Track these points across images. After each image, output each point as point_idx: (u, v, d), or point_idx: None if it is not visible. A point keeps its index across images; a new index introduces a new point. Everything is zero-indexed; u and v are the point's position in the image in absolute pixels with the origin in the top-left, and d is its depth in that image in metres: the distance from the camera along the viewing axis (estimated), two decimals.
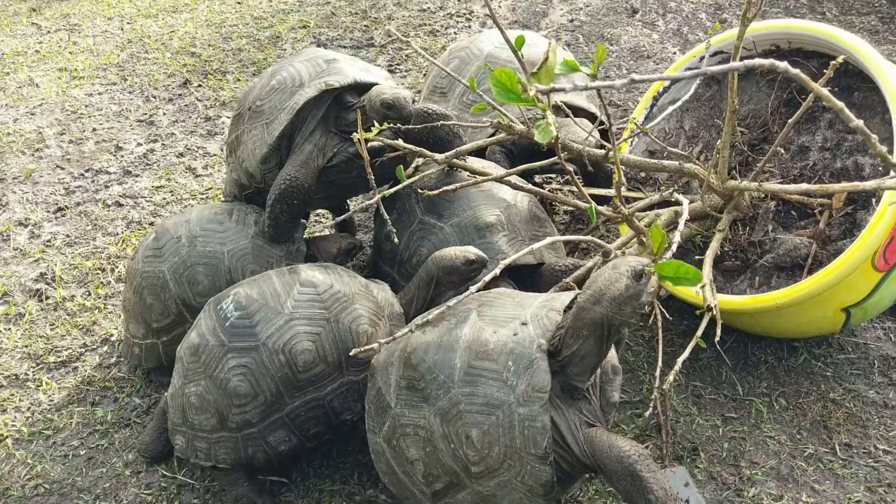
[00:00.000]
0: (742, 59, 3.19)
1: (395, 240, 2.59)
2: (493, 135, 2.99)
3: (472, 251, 2.69)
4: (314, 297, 2.53)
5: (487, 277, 2.23)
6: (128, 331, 3.08)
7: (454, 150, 2.56)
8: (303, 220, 3.06)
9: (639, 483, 1.91)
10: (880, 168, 2.82)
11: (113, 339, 3.31)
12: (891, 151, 2.82)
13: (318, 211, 3.84)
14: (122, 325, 3.15)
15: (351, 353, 2.12)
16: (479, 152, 3.25)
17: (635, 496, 1.93)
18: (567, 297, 2.21)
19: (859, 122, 1.46)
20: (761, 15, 5.49)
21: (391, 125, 2.52)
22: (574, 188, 3.18)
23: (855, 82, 2.94)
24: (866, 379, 3.01)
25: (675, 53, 5.21)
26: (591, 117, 3.49)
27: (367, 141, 2.66)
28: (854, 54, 2.79)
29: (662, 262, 1.92)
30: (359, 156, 2.80)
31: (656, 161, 2.77)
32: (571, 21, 5.67)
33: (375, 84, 2.90)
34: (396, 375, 2.15)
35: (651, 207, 3.17)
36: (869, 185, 2.37)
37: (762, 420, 2.86)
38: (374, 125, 2.45)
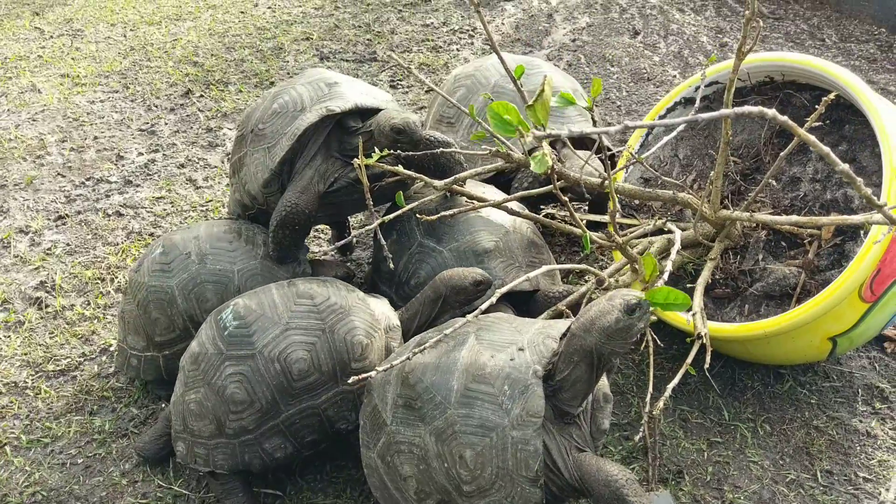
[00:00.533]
0: (737, 89, 3.27)
1: (391, 265, 2.65)
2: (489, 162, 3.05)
3: (479, 272, 2.79)
4: (311, 308, 2.60)
5: (484, 305, 2.29)
6: (125, 342, 3.11)
7: (453, 178, 2.62)
8: (305, 244, 3.11)
9: None
10: None
11: (112, 349, 3.35)
12: (880, 184, 2.89)
13: (318, 227, 3.90)
14: (118, 334, 3.18)
15: (349, 382, 2.18)
16: (492, 180, 3.33)
17: None
18: (563, 324, 2.27)
19: (845, 167, 1.52)
20: (762, 40, 5.57)
21: (392, 151, 2.58)
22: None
23: (846, 115, 3.02)
24: (850, 407, 3.07)
25: (675, 76, 5.29)
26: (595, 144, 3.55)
27: (367, 167, 2.71)
28: (846, 89, 2.86)
29: (653, 288, 1.98)
30: (359, 181, 2.81)
31: (651, 190, 2.84)
32: (574, 41, 5.74)
33: (377, 108, 2.96)
34: (394, 394, 2.21)
35: (644, 235, 3.24)
36: (856, 219, 2.44)
37: (746, 445, 2.92)
38: (374, 151, 2.51)
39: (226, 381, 2.52)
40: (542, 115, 2.05)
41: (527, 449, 2.00)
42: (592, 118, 2.32)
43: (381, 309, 2.75)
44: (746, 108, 1.48)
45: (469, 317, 2.29)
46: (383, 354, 2.67)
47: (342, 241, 2.66)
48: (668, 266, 2.52)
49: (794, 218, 2.67)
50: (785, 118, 1.50)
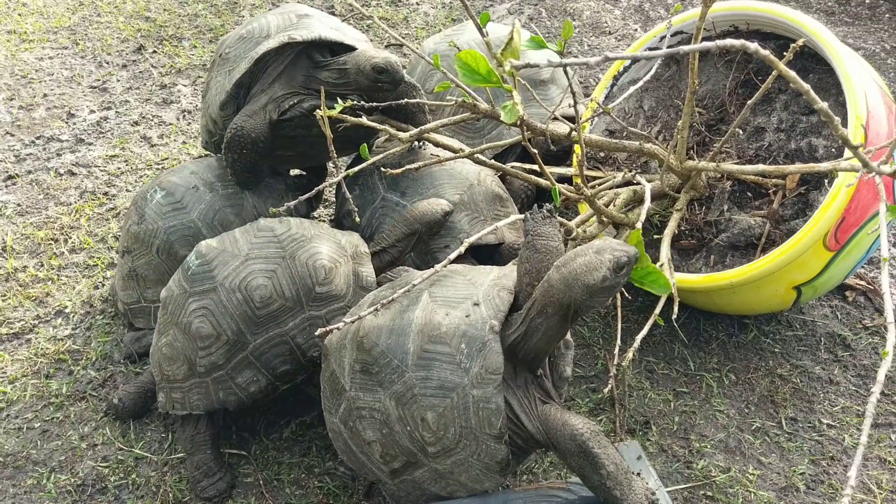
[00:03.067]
0: (703, 40, 3.23)
1: (357, 219, 2.59)
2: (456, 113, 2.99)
3: (445, 203, 2.82)
4: (271, 238, 2.58)
5: (452, 256, 2.24)
6: (143, 298, 3.03)
7: (418, 129, 2.55)
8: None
9: (591, 459, 1.95)
10: (833, 149, 2.88)
11: (67, 310, 3.26)
12: None
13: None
14: (127, 296, 3.07)
15: (316, 334, 2.13)
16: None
17: (588, 472, 1.97)
18: (514, 273, 2.22)
19: (823, 105, 1.50)
20: None
21: (354, 102, 2.50)
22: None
23: (810, 64, 3.00)
24: (812, 355, 3.10)
25: (636, 30, 5.24)
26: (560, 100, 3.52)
27: (331, 118, 2.63)
28: (811, 37, 2.84)
29: (637, 268, 1.95)
30: (313, 111, 2.82)
31: (617, 141, 2.80)
32: None
33: (347, 45, 2.91)
34: (350, 359, 2.15)
35: (610, 187, 3.21)
36: (824, 166, 2.43)
37: (712, 395, 2.94)
38: (338, 101, 2.43)
39: (190, 317, 2.50)
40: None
41: (488, 407, 1.97)
42: (564, 67, 2.26)
43: (347, 239, 2.71)
44: (729, 42, 1.44)
45: (437, 266, 2.23)
46: (351, 280, 2.62)
47: (309, 194, 2.57)
48: (642, 218, 2.50)
49: (760, 167, 2.65)
50: (767, 53, 1.47)
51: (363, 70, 2.81)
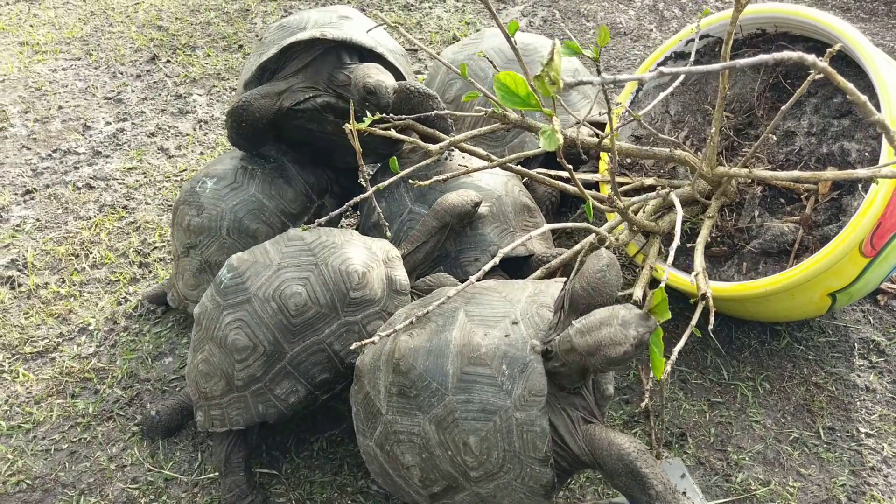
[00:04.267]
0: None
1: (388, 234, 2.55)
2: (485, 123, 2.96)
3: (474, 194, 2.83)
4: (301, 247, 2.56)
5: (486, 267, 2.20)
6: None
7: (448, 141, 2.51)
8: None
9: (640, 479, 1.91)
10: (867, 153, 2.83)
11: (90, 328, 3.23)
12: (878, 136, 2.83)
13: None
14: (200, 292, 3.01)
15: (352, 347, 2.09)
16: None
17: (636, 492, 1.93)
18: (555, 287, 2.19)
19: (880, 116, 1.46)
20: None
21: (383, 115, 2.46)
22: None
23: (840, 66, 2.94)
24: (847, 362, 3.05)
25: (651, 30, 5.19)
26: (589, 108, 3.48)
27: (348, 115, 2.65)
28: (842, 39, 2.79)
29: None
30: (327, 109, 2.97)
31: (648, 148, 2.75)
32: None
33: (373, 50, 2.97)
34: (386, 381, 2.11)
35: (637, 192, 3.17)
36: (862, 172, 2.38)
37: (747, 404, 2.89)
38: (366, 115, 2.39)
39: (225, 330, 2.47)
40: (550, 85, 1.94)
41: (533, 430, 1.93)
42: (598, 69, 2.22)
43: (378, 244, 2.68)
44: (786, 54, 1.40)
45: (464, 285, 2.19)
46: (384, 284, 2.58)
47: (340, 210, 2.52)
48: (677, 235, 2.44)
49: (795, 173, 2.60)
50: (825, 65, 1.43)
51: (356, 85, 2.85)
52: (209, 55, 5.08)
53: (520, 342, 1.97)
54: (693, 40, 3.05)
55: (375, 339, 2.04)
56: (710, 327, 2.48)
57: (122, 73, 4.93)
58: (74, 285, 3.43)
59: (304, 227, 2.48)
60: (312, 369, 2.51)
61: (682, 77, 2.81)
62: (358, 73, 2.89)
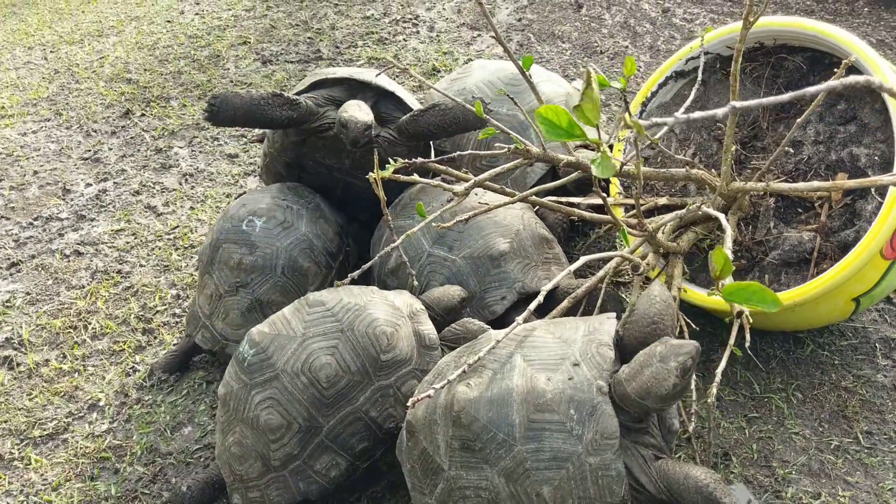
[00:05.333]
0: (726, 58, 3.20)
1: (416, 283, 2.49)
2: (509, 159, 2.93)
3: (460, 289, 2.75)
4: (325, 314, 2.46)
5: (532, 306, 2.15)
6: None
7: (472, 181, 2.46)
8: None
9: None
10: (876, 157, 2.84)
11: (101, 403, 3.11)
12: (885, 140, 2.85)
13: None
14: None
15: (409, 404, 2.01)
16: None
17: None
18: (609, 324, 2.15)
19: None
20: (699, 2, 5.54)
21: (406, 161, 2.41)
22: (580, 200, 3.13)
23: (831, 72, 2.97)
24: (872, 363, 3.05)
25: (627, 46, 5.21)
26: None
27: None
28: (843, 47, 2.81)
29: (729, 285, 1.87)
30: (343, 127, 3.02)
31: (666, 170, 2.73)
32: (520, 20, 5.62)
33: (400, 98, 3.21)
34: (446, 435, 2.04)
35: (650, 213, 3.15)
36: (886, 179, 2.39)
37: (784, 416, 2.87)
38: (389, 162, 2.34)
39: (256, 410, 2.37)
40: (591, 114, 1.91)
41: (609, 475, 1.87)
42: (625, 99, 2.19)
43: (401, 299, 2.60)
44: (852, 79, 1.37)
45: (519, 318, 2.13)
46: (413, 341, 2.52)
47: (368, 264, 2.47)
48: (728, 246, 2.42)
49: (814, 184, 2.61)
50: (891, 87, 1.41)
51: (338, 117, 3.03)
52: (185, 105, 4.98)
53: (585, 384, 1.93)
54: (695, 56, 3.06)
55: (431, 392, 1.97)
56: (747, 344, 2.46)
57: (95, 131, 4.81)
58: (77, 359, 3.30)
59: (338, 284, 2.41)
60: (351, 440, 2.42)
61: (692, 96, 2.79)
62: (341, 109, 3.06)
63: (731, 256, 2.79)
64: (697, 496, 1.89)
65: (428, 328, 2.59)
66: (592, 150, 3.39)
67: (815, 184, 2.60)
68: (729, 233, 2.21)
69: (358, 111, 3.04)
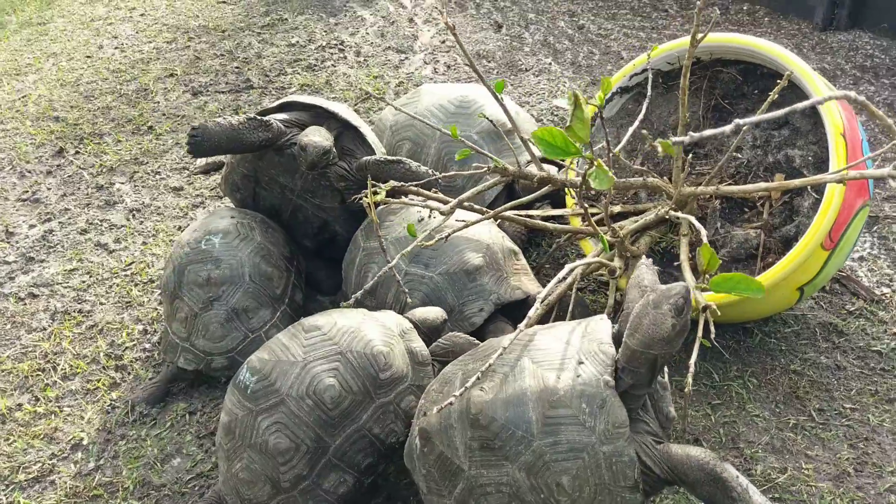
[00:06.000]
0: (666, 73, 3.45)
1: (409, 300, 2.62)
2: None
3: (440, 310, 2.90)
4: (322, 337, 2.56)
5: (532, 313, 2.30)
6: (251, 329, 3.24)
7: (457, 200, 2.61)
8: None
9: (722, 484, 2.06)
10: (809, 158, 3.13)
11: (84, 442, 3.08)
12: (816, 142, 3.15)
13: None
14: (231, 339, 3.21)
15: (435, 411, 2.12)
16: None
17: (719, 497, 2.07)
18: (603, 324, 2.31)
19: (884, 118, 1.67)
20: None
21: (397, 185, 2.54)
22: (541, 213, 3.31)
23: (773, 84, 3.25)
24: (815, 347, 3.34)
25: (550, 63, 5.47)
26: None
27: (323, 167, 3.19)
28: (776, 59, 3.08)
29: (716, 277, 2.07)
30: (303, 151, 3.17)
31: (625, 179, 2.95)
32: (443, 42, 5.80)
33: (360, 130, 3.38)
34: (464, 437, 2.16)
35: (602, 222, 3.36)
36: (829, 177, 2.65)
37: (744, 401, 3.12)
38: (380, 187, 2.46)
39: (264, 435, 2.44)
40: (582, 133, 2.08)
41: (622, 460, 2.04)
42: (601, 116, 2.38)
43: (391, 319, 2.72)
44: (840, 92, 1.59)
45: (521, 325, 2.26)
46: (407, 358, 2.64)
47: (356, 295, 2.60)
48: (684, 259, 2.63)
49: (761, 185, 2.86)
50: (864, 99, 1.63)
51: (298, 142, 3.20)
52: (120, 141, 4.94)
53: (592, 380, 2.09)
54: (636, 74, 3.29)
55: (452, 399, 2.10)
56: (713, 335, 2.69)
57: (30, 172, 4.72)
58: (51, 401, 3.26)
59: (345, 305, 2.50)
60: (356, 457, 2.52)
61: (644, 111, 3.02)
62: (303, 133, 3.27)
63: (687, 254, 3.04)
64: (700, 473, 2.07)
65: (419, 345, 2.71)
66: (555, 164, 3.58)
67: (762, 185, 2.86)
68: (704, 232, 2.42)
69: (318, 136, 3.20)
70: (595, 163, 2.09)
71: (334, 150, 3.23)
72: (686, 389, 2.49)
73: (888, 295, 3.54)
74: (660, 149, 1.72)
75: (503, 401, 2.11)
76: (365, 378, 2.53)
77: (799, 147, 3.17)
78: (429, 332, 2.85)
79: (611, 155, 2.22)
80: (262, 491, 2.48)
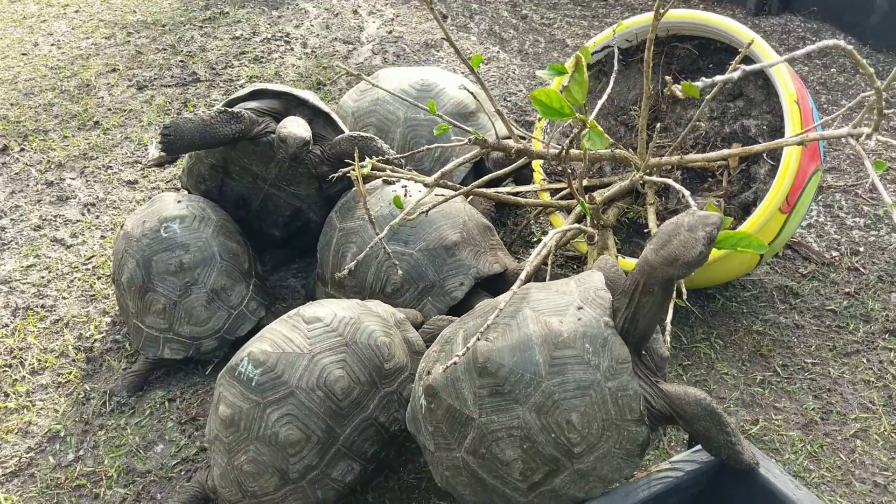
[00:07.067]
0: (624, 49, 3.57)
1: (399, 272, 2.68)
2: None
3: (417, 313, 2.97)
4: (326, 329, 2.56)
5: (522, 275, 2.36)
6: (231, 305, 3.27)
7: (439, 173, 2.65)
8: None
9: (717, 419, 2.17)
10: (764, 126, 3.29)
11: (61, 434, 3.02)
12: (770, 111, 3.31)
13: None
14: (217, 318, 3.26)
15: (441, 370, 2.15)
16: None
17: (714, 432, 2.18)
18: (596, 276, 2.37)
19: (866, 67, 1.80)
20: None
21: (384, 158, 2.58)
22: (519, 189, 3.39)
23: (726, 57, 3.40)
24: (773, 308, 3.51)
25: (497, 52, 5.56)
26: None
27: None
28: (730, 33, 3.23)
29: (720, 233, 2.17)
30: (267, 150, 3.34)
31: (595, 151, 3.04)
32: (390, 32, 5.84)
33: (331, 116, 3.40)
34: (472, 387, 2.20)
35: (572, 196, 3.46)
36: (792, 139, 2.80)
37: (712, 361, 3.25)
38: (366, 159, 2.50)
39: (275, 427, 2.42)
40: (578, 94, 2.16)
41: (627, 394, 2.13)
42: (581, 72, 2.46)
43: (382, 308, 2.76)
44: (828, 42, 1.71)
45: (510, 293, 2.31)
46: (405, 348, 2.68)
47: (351, 264, 2.63)
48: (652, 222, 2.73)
49: (724, 152, 3.00)
50: (850, 48, 1.75)
51: (276, 133, 3.25)
52: (66, 137, 4.82)
53: (593, 322, 2.17)
54: (597, 52, 3.40)
55: (456, 359, 2.14)
56: (685, 297, 2.81)
57: None
58: (21, 396, 3.18)
59: (339, 276, 2.52)
60: (364, 445, 2.55)
61: (611, 85, 3.12)
62: (281, 124, 3.28)
63: (654, 222, 3.15)
64: (698, 408, 2.18)
65: (414, 335, 2.77)
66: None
67: (725, 151, 2.99)
68: (686, 193, 2.52)
69: (297, 127, 3.23)
70: (589, 124, 2.17)
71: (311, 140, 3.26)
72: (663, 350, 2.60)
73: (837, 258, 3.73)
74: (679, 92, 1.81)
75: (509, 347, 2.17)
76: (371, 369, 2.56)
77: (754, 117, 3.32)
78: (414, 325, 2.89)
79: (589, 124, 2.30)
80: (268, 483, 2.47)
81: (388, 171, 2.58)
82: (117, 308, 3.55)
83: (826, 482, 2.78)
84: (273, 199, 3.59)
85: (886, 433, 2.94)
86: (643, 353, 2.32)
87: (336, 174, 2.75)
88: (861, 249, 3.79)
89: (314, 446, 2.45)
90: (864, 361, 3.25)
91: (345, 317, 2.61)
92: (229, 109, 3.19)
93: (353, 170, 2.47)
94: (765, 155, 3.26)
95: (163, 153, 3.24)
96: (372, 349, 2.57)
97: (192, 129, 3.14)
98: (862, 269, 3.68)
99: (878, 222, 3.95)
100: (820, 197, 4.10)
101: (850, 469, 2.82)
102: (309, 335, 2.54)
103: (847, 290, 3.57)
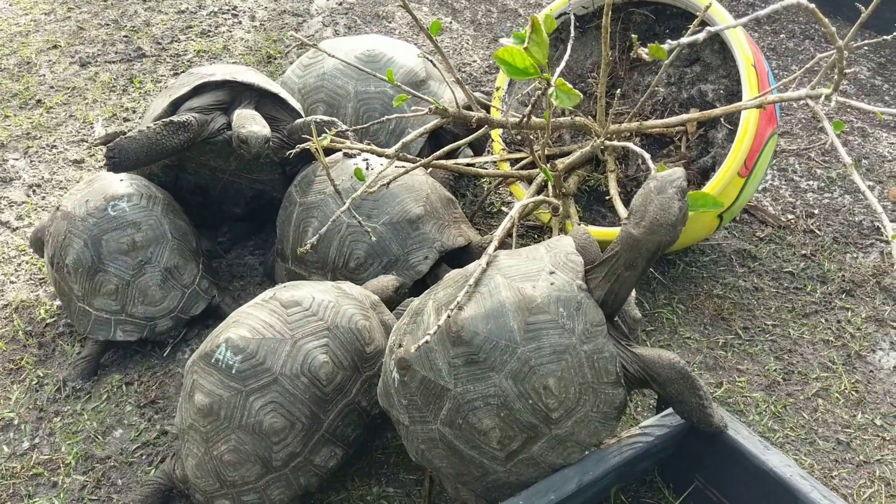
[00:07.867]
0: (581, 16, 3.54)
1: (373, 238, 2.63)
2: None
3: (394, 278, 2.92)
4: (306, 314, 2.50)
5: (494, 243, 2.34)
6: (193, 276, 3.23)
7: (400, 143, 2.60)
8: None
9: (689, 382, 2.19)
10: (721, 91, 3.30)
11: (15, 422, 2.92)
12: (727, 76, 3.31)
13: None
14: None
15: (421, 343, 2.10)
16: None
17: (686, 395, 2.19)
18: (566, 241, 2.35)
19: (841, 44, 1.80)
20: None
21: (339, 131, 2.52)
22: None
23: (682, 22, 3.39)
24: (732, 272, 3.54)
25: (450, 22, 5.49)
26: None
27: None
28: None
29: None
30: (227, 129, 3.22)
31: (555, 119, 3.02)
32: (340, 4, 5.73)
33: (279, 95, 3.28)
34: (446, 357, 2.16)
35: (533, 165, 3.44)
36: (750, 103, 2.80)
37: (675, 326, 3.27)
38: (325, 131, 2.44)
39: (258, 415, 2.36)
40: (538, 54, 2.12)
41: (603, 356, 2.12)
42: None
43: (356, 290, 2.70)
44: (804, 1, 1.70)
45: (476, 266, 2.29)
46: (382, 331, 2.63)
47: (314, 238, 2.56)
48: (613, 189, 2.72)
49: (684, 117, 2.99)
50: (813, 6, 1.74)
51: (233, 133, 3.12)
52: (7, 116, 4.64)
53: (566, 286, 2.15)
54: (568, 14, 3.37)
55: (428, 337, 2.11)
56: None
57: None
58: None
59: (301, 251, 2.46)
60: (346, 430, 2.52)
61: (567, 54, 3.08)
62: (236, 122, 3.15)
63: (616, 188, 3.14)
64: (671, 371, 2.18)
65: (390, 317, 2.73)
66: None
67: (684, 116, 2.99)
68: (647, 156, 2.51)
69: (254, 124, 3.11)
70: (556, 82, 2.14)
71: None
72: (635, 311, 2.60)
73: (793, 220, 3.78)
74: (646, 55, 1.78)
75: (483, 315, 2.14)
76: (353, 353, 2.52)
77: (711, 82, 3.32)
78: (385, 301, 2.84)
79: (556, 82, 2.27)
80: (250, 471, 2.41)
81: (348, 144, 2.52)
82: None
83: (790, 441, 2.82)
84: (234, 186, 3.50)
85: (847, 391, 3.00)
86: (615, 319, 2.32)
87: (294, 150, 2.68)
88: (816, 212, 3.84)
89: (298, 433, 2.41)
90: (823, 321, 3.30)
91: (324, 300, 2.55)
92: (175, 120, 3.05)
93: (313, 144, 2.40)
94: (722, 119, 3.27)
95: (109, 132, 3.13)
96: (353, 333, 2.53)
97: (137, 149, 3.03)
98: (817, 231, 3.73)
99: (832, 185, 4.01)
100: (774, 161, 4.14)
101: (814, 427, 2.87)
102: (289, 320, 2.48)
103: (803, 251, 3.62)
